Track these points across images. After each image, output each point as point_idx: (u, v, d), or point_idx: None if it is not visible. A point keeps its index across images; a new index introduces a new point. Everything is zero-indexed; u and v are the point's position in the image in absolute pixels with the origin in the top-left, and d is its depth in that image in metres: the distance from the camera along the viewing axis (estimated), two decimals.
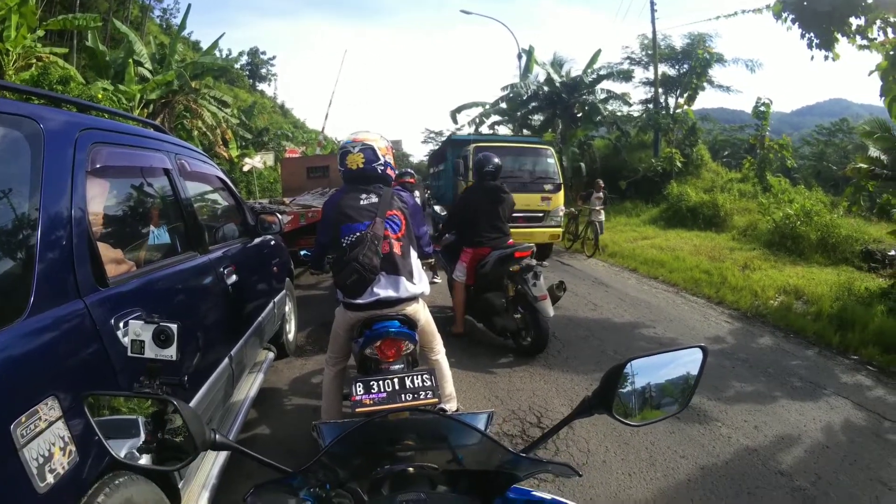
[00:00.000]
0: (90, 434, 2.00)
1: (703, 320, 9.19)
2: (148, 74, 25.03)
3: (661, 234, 19.79)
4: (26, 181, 2.20)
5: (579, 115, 31.46)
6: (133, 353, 2.24)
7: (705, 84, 29.50)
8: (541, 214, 14.75)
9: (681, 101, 30.23)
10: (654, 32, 29.58)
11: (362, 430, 1.41)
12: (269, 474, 1.36)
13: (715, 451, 4.77)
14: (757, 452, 4.77)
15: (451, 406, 4.61)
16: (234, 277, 4.35)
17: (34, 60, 19.32)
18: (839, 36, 9.10)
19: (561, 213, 15.38)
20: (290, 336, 7.12)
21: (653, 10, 29.04)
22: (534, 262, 6.94)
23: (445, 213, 8.84)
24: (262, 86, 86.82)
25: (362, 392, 3.50)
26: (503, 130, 34.65)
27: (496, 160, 7.72)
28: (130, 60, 23.68)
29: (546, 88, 32.07)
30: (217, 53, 33.60)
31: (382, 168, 4.25)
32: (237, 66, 61.35)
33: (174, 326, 2.25)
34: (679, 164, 26.29)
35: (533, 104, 32.58)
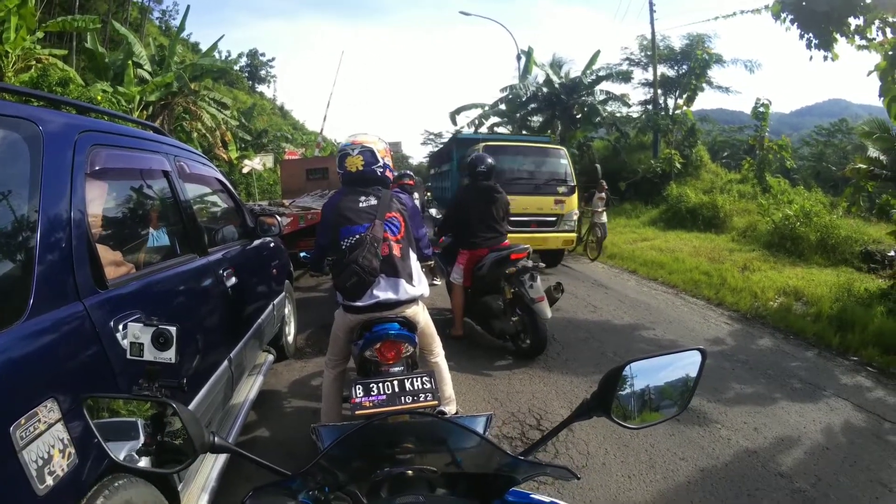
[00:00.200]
0: (89, 436, 2.01)
1: (703, 322, 9.19)
2: (147, 76, 25.05)
3: (660, 235, 19.77)
4: (26, 183, 2.20)
5: (578, 116, 31.45)
6: (132, 356, 2.23)
7: (704, 85, 29.52)
8: (554, 218, 13.97)
9: (680, 101, 30.24)
10: (653, 33, 29.62)
11: (361, 433, 1.41)
12: (268, 477, 1.36)
13: (715, 452, 4.77)
14: (757, 454, 4.77)
15: (450, 408, 4.61)
16: (233, 279, 4.35)
17: (33, 62, 19.33)
18: (838, 36, 9.11)
19: (575, 217, 14.49)
20: (290, 338, 7.12)
21: (651, 11, 29.07)
22: (530, 263, 6.95)
23: (441, 216, 8.85)
24: (261, 87, 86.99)
25: (362, 394, 3.50)
26: (502, 132, 34.57)
27: (489, 160, 7.75)
28: (130, 62, 23.73)
29: (545, 90, 32.05)
30: (216, 55, 33.62)
31: (381, 170, 4.26)
32: (236, 67, 61.31)
33: (173, 329, 2.24)
34: (678, 166, 26.27)
35: (532, 105, 32.58)
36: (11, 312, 1.99)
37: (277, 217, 5.90)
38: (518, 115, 33.04)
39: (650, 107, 31.66)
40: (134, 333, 2.23)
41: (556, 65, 34.14)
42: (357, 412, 3.45)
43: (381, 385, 3.56)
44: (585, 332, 8.35)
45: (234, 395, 4.41)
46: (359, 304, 4.01)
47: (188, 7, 45.32)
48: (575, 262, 15.95)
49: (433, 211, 12.53)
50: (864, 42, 8.96)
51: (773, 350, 7.74)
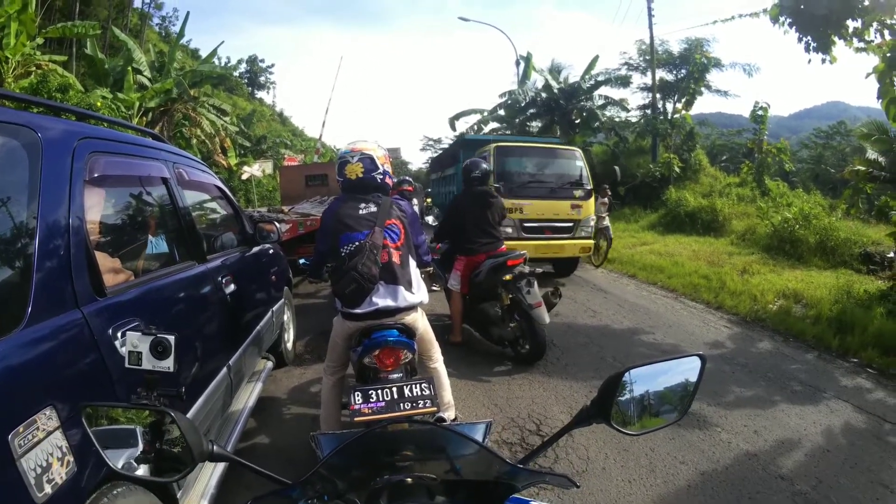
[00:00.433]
0: (88, 444, 1.99)
1: (703, 325, 9.19)
2: (147, 82, 25.08)
3: (659, 239, 19.79)
4: (24, 190, 2.21)
5: (577, 121, 31.53)
6: (130, 365, 2.22)
7: (703, 89, 29.58)
8: (570, 224, 12.93)
9: (679, 106, 30.27)
10: (651, 38, 29.69)
11: (360, 442, 1.41)
12: (268, 486, 1.36)
13: (715, 456, 4.77)
14: (757, 457, 4.77)
15: (449, 414, 4.64)
16: (232, 287, 4.35)
17: (33, 68, 19.34)
18: (836, 39, 9.14)
19: (592, 223, 13.47)
20: (289, 345, 7.12)
21: (650, 16, 29.15)
22: (527, 269, 6.94)
23: (437, 223, 8.86)
24: (260, 93, 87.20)
25: (361, 401, 3.50)
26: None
27: (484, 165, 7.76)
28: (129, 68, 23.76)
29: (544, 95, 32.19)
30: (216, 61, 33.66)
31: (381, 177, 4.27)
32: (236, 73, 61.38)
33: (171, 338, 2.23)
34: (677, 170, 26.32)
35: (531, 111, 32.70)
36: (10, 320, 1.99)
37: (276, 224, 5.89)
38: (517, 120, 33.14)
39: (649, 111, 31.76)
40: (132, 342, 2.23)
41: (555, 70, 34.35)
42: (356, 419, 3.45)
43: (379, 392, 3.56)
44: (585, 336, 8.34)
45: (233, 403, 4.42)
46: (358, 311, 4.02)
47: (188, 13, 45.55)
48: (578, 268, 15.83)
49: (430, 219, 12.46)
50: (862, 44, 8.99)
51: (773, 353, 7.75)
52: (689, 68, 29.11)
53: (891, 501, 4.18)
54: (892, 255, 13.12)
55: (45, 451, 1.89)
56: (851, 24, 8.94)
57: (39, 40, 20.91)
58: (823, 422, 5.51)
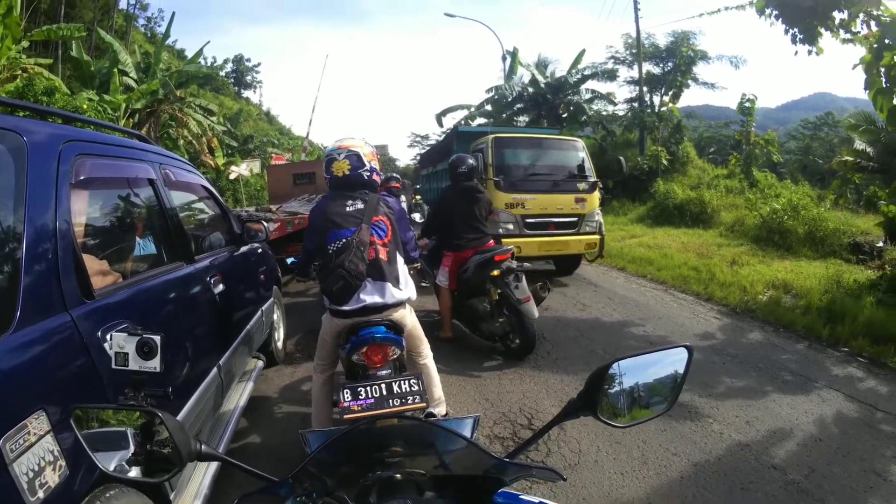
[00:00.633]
0: (80, 447, 1.98)
1: (693, 317, 9.22)
2: (133, 84, 24.91)
3: (648, 232, 19.83)
4: (10, 195, 2.20)
5: (564, 115, 31.63)
6: (117, 366, 2.23)
7: (690, 82, 29.76)
8: (575, 219, 12.01)
9: (666, 99, 30.46)
10: (637, 31, 29.80)
11: (348, 438, 1.41)
12: (259, 485, 1.36)
13: (707, 447, 4.79)
14: (749, 447, 4.79)
15: (440, 410, 4.63)
16: (221, 287, 4.35)
17: (19, 72, 19.21)
18: (822, 30, 9.20)
19: (597, 217, 12.47)
20: (279, 344, 7.13)
21: (636, 10, 29.21)
22: (514, 264, 6.96)
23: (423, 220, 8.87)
24: (247, 93, 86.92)
25: (350, 398, 3.53)
26: None
27: (470, 160, 7.75)
28: (115, 70, 23.60)
29: (531, 89, 32.27)
30: (202, 61, 33.59)
31: (368, 174, 4.28)
32: (222, 73, 61.17)
33: (157, 338, 2.23)
34: (665, 162, 26.36)
35: (518, 105, 32.78)
36: None
37: (264, 223, 5.89)
38: (504, 115, 33.15)
39: (636, 104, 31.85)
40: (118, 343, 2.22)
41: (542, 65, 34.48)
42: (345, 416, 3.48)
43: (368, 389, 3.60)
44: (575, 330, 8.35)
45: (224, 403, 4.40)
46: (345, 308, 4.03)
47: (173, 14, 45.39)
48: None
49: (416, 216, 12.33)
50: (848, 36, 9.04)
51: (764, 343, 7.78)
52: (676, 61, 29.28)
53: (884, 489, 4.20)
54: (881, 244, 13.16)
55: (36, 455, 1.89)
56: (838, 16, 9.00)
57: (25, 43, 20.77)
58: (815, 411, 5.54)
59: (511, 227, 11.24)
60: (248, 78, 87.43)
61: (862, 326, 7.74)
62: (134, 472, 1.51)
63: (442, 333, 7.72)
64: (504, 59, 34.79)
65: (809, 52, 9.50)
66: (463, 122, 34.91)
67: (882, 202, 11.12)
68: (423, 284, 8.55)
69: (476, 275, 7.06)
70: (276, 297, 6.87)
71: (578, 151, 12.78)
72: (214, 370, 3.94)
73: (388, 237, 4.22)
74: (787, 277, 10.90)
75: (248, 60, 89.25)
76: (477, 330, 7.39)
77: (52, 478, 1.94)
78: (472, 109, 35.23)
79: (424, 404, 3.64)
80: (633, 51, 30.95)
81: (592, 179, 12.40)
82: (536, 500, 1.41)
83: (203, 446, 1.37)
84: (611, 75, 32.35)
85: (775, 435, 5.05)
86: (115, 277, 3.05)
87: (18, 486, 1.78)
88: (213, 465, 3.35)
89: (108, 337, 2.45)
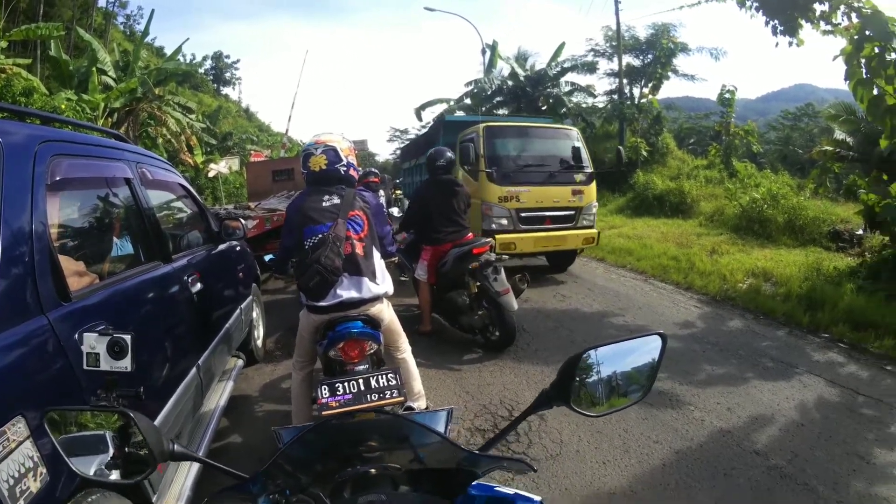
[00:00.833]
0: (60, 452, 1.98)
1: (673, 306, 9.25)
2: (112, 83, 24.70)
3: (628, 222, 19.89)
4: None
5: (544, 108, 31.67)
6: (89, 367, 2.23)
7: (670, 73, 30.02)
8: (572, 212, 11.32)
9: (645, 90, 30.61)
10: (618, 24, 29.90)
11: (319, 433, 1.41)
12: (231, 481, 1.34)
13: (689, 434, 4.79)
14: (731, 434, 4.80)
15: (420, 404, 4.64)
16: (199, 285, 4.31)
17: None
18: (803, 22, 9.25)
19: (594, 210, 11.86)
20: (259, 342, 7.10)
21: (616, 2, 29.26)
22: (493, 256, 6.94)
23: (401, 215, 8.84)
24: (226, 90, 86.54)
25: (328, 394, 3.49)
26: None
27: (449, 154, 7.67)
28: (94, 69, 23.40)
29: (510, 83, 32.41)
30: (181, 58, 33.39)
31: (345, 169, 4.27)
32: (201, 70, 60.90)
33: (128, 337, 2.23)
34: (645, 153, 26.46)
35: (497, 98, 32.89)
36: None
37: (241, 220, 5.87)
38: (483, 108, 33.14)
39: (616, 96, 31.97)
40: (90, 344, 2.23)
41: (522, 58, 34.69)
42: (324, 413, 3.43)
43: (346, 384, 3.55)
44: (555, 321, 8.35)
45: (204, 403, 4.37)
46: (322, 303, 4.01)
47: (152, 11, 45.22)
48: None
49: (394, 210, 12.16)
50: (829, 27, 9.08)
51: (744, 331, 7.81)
52: (656, 53, 29.50)
53: (867, 472, 4.22)
54: (861, 232, 13.26)
55: (16, 461, 1.86)
56: (819, 8, 9.05)
57: (3, 44, 20.64)
58: (797, 397, 5.56)
59: (505, 222, 10.70)
60: (228, 75, 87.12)
61: (842, 313, 7.79)
62: (114, 476, 1.48)
63: (422, 327, 7.69)
64: (484, 52, 34.92)
65: (790, 44, 9.58)
66: (436, 119, 35.04)
67: (862, 191, 11.13)
68: (403, 279, 8.52)
69: (455, 268, 7.05)
70: (255, 295, 6.84)
71: (574, 140, 12.07)
72: (194, 370, 3.90)
73: (364, 232, 4.20)
74: (766, 265, 11.00)
75: (228, 57, 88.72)
76: (456, 323, 7.37)
77: (32, 484, 1.91)
78: (452, 103, 35.27)
79: (402, 398, 3.60)
80: (614, 43, 31.08)
81: (589, 170, 11.71)
82: (511, 492, 1.40)
83: (176, 446, 1.35)
84: (591, 68, 32.52)
85: (757, 421, 5.05)
86: (91, 278, 3.00)
87: None
88: (195, 467, 3.32)
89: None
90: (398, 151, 50.58)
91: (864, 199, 10.63)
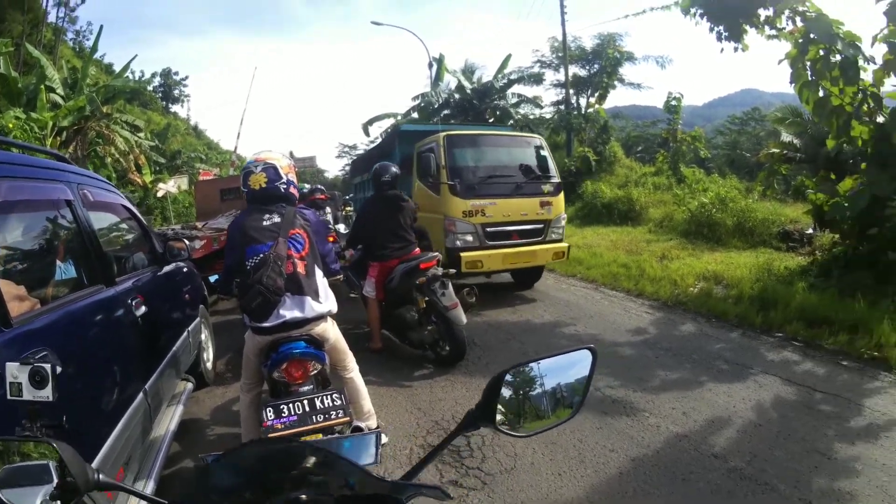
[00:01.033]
0: None
1: (624, 313, 9.27)
2: (60, 100, 24.40)
3: (577, 232, 19.89)
4: None
5: (491, 119, 31.88)
6: (12, 396, 2.16)
7: (616, 83, 30.54)
8: (541, 225, 10.65)
9: (592, 100, 31.00)
10: (563, 34, 30.17)
11: (242, 458, 1.39)
12: None
13: (644, 441, 4.78)
14: (688, 438, 4.81)
15: (370, 424, 4.62)
16: (143, 308, 4.19)
17: None
18: (748, 27, 9.47)
19: (563, 223, 11.28)
20: (209, 364, 7.00)
21: (563, 13, 29.54)
22: (440, 271, 6.93)
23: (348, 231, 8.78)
24: (175, 107, 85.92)
25: (273, 417, 3.52)
26: None
27: (394, 169, 7.59)
28: (42, 87, 23.10)
29: (457, 96, 32.57)
30: (129, 75, 33.14)
31: (285, 187, 4.27)
32: (150, 87, 60.52)
33: (48, 366, 2.17)
34: (593, 163, 26.58)
35: (445, 112, 32.89)
36: None
37: (186, 241, 5.83)
38: (431, 121, 33.25)
39: (563, 107, 32.33)
40: (12, 373, 2.17)
41: (469, 70, 34.84)
42: (269, 435, 3.41)
43: (291, 406, 3.59)
44: (506, 333, 8.34)
45: (154, 428, 4.26)
46: (266, 324, 3.97)
47: (101, 27, 44.73)
48: None
49: (341, 227, 11.93)
50: (774, 32, 9.33)
51: (697, 335, 7.86)
52: (602, 63, 29.98)
53: (829, 468, 4.25)
54: (811, 231, 13.42)
55: None
56: (763, 13, 9.26)
57: None
58: (753, 397, 5.59)
59: (470, 238, 9.89)
60: (176, 92, 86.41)
61: (795, 311, 7.89)
62: None
63: (372, 344, 7.65)
64: (431, 66, 35.04)
65: (735, 49, 9.82)
66: (390, 129, 35.04)
67: (810, 191, 11.33)
68: (352, 295, 8.44)
69: (402, 283, 7.01)
70: (203, 317, 6.75)
71: (539, 150, 11.39)
72: (141, 395, 3.81)
73: (305, 250, 4.19)
74: (717, 269, 11.11)
75: (177, 74, 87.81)
76: (406, 339, 7.32)
77: None
78: (399, 117, 35.33)
79: (348, 418, 3.63)
80: (560, 54, 31.45)
81: (556, 180, 11.17)
82: None
83: (100, 475, 1.28)
84: (537, 79, 32.85)
85: (714, 424, 5.07)
86: (32, 303, 2.94)
87: None
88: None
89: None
90: (347, 167, 50.57)
91: (812, 199, 10.79)
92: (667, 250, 14.03)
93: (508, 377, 1.46)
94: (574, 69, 31.91)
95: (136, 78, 43.27)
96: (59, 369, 2.33)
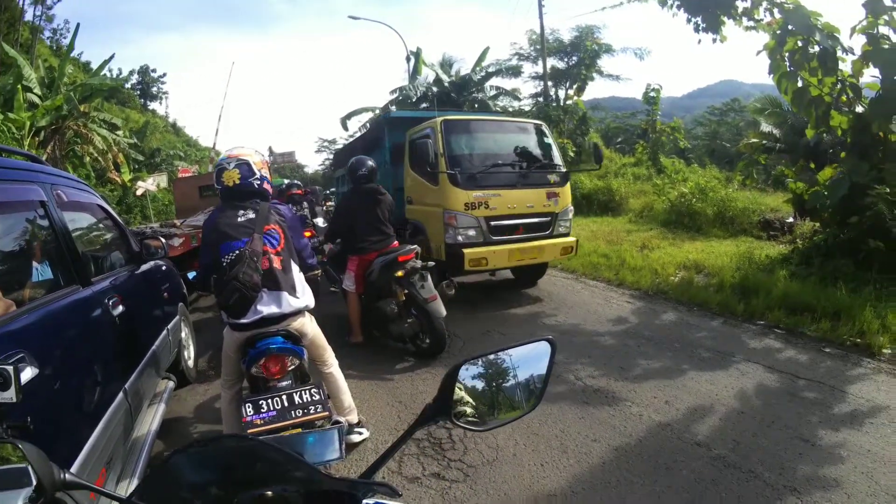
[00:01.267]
0: None
1: (605, 303, 9.27)
2: (37, 100, 24.24)
3: None
4: None
5: None
6: None
7: (595, 74, 30.65)
8: (547, 219, 9.56)
9: (571, 92, 30.96)
10: (541, 27, 30.28)
11: (203, 454, 1.37)
12: None
13: (627, 430, 4.77)
14: (671, 427, 4.80)
15: (351, 418, 4.65)
16: (121, 308, 4.14)
17: None
18: (725, 19, 9.53)
19: (570, 215, 10.13)
20: (190, 362, 6.97)
21: (540, 5, 29.58)
22: (419, 263, 6.90)
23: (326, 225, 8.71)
24: (153, 105, 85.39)
25: (252, 413, 3.50)
26: None
27: (370, 163, 7.45)
28: (19, 87, 22.93)
29: (435, 89, 32.44)
30: (107, 73, 32.96)
31: (259, 183, 4.28)
32: (127, 85, 60.11)
33: (10, 368, 2.10)
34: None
35: (423, 105, 32.82)
36: None
37: (162, 239, 5.78)
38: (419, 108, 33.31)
39: (541, 99, 32.43)
40: None
41: (447, 64, 34.78)
42: (249, 431, 3.40)
43: (270, 401, 3.57)
44: (486, 324, 8.33)
45: (136, 428, 4.22)
46: (243, 321, 3.99)
47: (77, 25, 44.34)
48: None
49: (319, 221, 11.77)
50: (751, 23, 9.42)
51: (678, 323, 7.87)
52: (581, 55, 30.02)
53: (813, 454, 4.25)
54: (791, 220, 13.50)
55: None
56: (741, 4, 9.35)
57: None
58: (735, 385, 5.59)
59: (473, 233, 8.91)
60: (154, 89, 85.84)
61: (777, 299, 7.91)
62: None
63: (352, 338, 7.64)
64: (408, 59, 35.00)
65: (714, 41, 9.90)
66: (368, 124, 34.90)
67: (790, 180, 11.39)
68: (333, 289, 8.39)
69: (381, 277, 6.99)
70: (183, 315, 6.69)
71: (544, 137, 10.56)
72: (121, 395, 3.76)
73: (280, 245, 4.22)
74: (698, 258, 11.20)
75: (154, 71, 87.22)
76: (387, 332, 7.28)
77: None
78: (377, 111, 35.26)
79: (327, 413, 3.60)
80: (538, 46, 31.55)
81: (563, 170, 10.22)
82: None
83: (67, 475, 1.25)
84: (515, 71, 33.04)
85: (696, 412, 5.06)
86: (7, 305, 2.89)
87: None
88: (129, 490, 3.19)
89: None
90: (327, 162, 50.43)
91: (792, 188, 10.86)
92: (647, 240, 14.08)
93: (465, 369, 1.45)
94: (552, 61, 32.14)
95: (114, 76, 42.91)
96: (30, 371, 2.37)
